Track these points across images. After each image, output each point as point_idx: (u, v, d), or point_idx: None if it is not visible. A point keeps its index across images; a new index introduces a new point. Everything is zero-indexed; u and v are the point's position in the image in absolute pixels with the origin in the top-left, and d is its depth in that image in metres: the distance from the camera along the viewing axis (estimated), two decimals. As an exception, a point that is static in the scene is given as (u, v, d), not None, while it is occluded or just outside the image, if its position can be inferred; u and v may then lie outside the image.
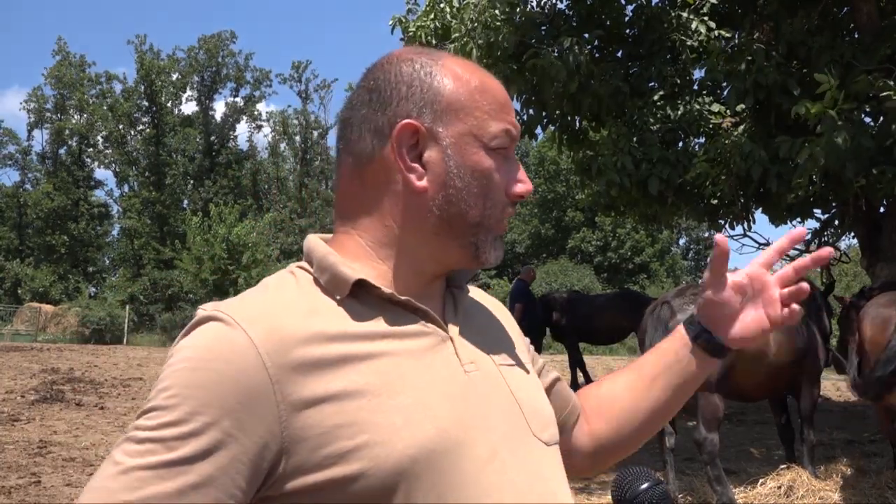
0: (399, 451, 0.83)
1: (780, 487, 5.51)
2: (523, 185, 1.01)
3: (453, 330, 0.99)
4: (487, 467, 0.89)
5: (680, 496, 5.45)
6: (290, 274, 0.97)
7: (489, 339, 1.06)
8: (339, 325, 0.89)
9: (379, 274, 0.96)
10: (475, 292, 1.14)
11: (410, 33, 8.57)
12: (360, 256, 0.97)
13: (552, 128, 9.43)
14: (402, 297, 0.94)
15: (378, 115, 0.96)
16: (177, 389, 0.80)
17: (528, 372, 1.08)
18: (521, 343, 1.14)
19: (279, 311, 0.88)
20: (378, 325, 0.92)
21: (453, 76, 0.98)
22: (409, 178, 0.95)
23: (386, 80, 0.98)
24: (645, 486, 1.04)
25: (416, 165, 0.96)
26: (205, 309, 0.88)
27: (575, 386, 12.22)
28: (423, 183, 0.95)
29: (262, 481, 0.83)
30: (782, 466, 5.75)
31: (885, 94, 5.90)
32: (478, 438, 0.90)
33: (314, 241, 0.99)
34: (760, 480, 5.67)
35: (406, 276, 0.97)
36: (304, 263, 0.98)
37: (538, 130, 9.19)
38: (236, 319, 0.84)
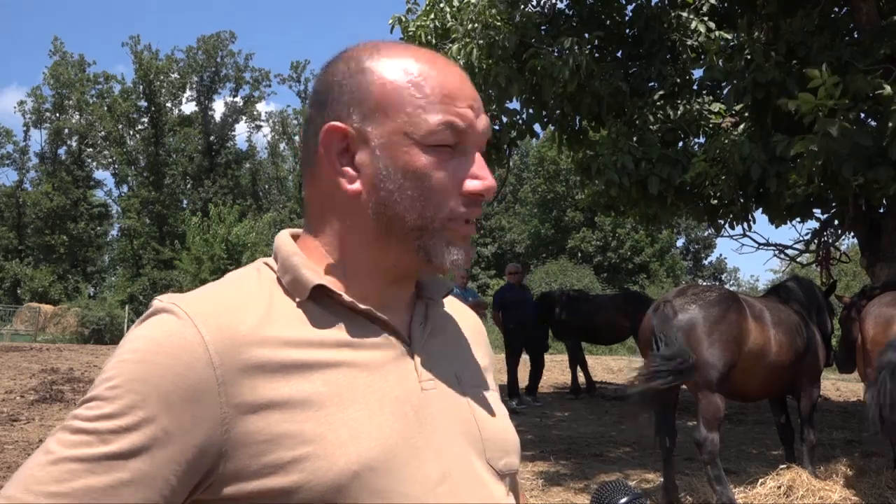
0: (340, 466, 0.80)
1: (779, 487, 5.51)
2: (478, 182, 0.92)
3: (417, 344, 0.95)
4: (436, 490, 0.86)
5: (680, 496, 5.45)
6: (255, 270, 0.95)
7: (457, 356, 1.02)
8: (294, 330, 0.86)
9: (338, 279, 0.93)
10: (452, 304, 1.10)
11: (410, 33, 8.56)
12: (320, 260, 0.94)
13: (552, 127, 9.44)
14: (364, 307, 0.90)
15: (318, 118, 0.94)
16: (119, 381, 0.77)
17: (495, 395, 1.05)
18: (490, 366, 1.11)
19: (235, 308, 0.85)
20: (335, 333, 0.89)
21: (385, 72, 0.93)
22: (340, 182, 0.92)
23: (325, 81, 0.96)
24: (624, 499, 1.03)
25: (347, 169, 0.92)
26: (161, 300, 0.85)
27: (576, 385, 12.23)
28: (356, 186, 0.92)
29: (197, 483, 0.79)
30: (782, 466, 5.75)
31: (880, 92, 5.89)
32: (428, 459, 0.87)
33: (283, 239, 0.97)
34: (760, 480, 5.67)
35: (362, 281, 0.94)
36: (270, 260, 0.96)
37: (538, 130, 9.19)
38: (189, 314, 0.82)
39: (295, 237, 0.99)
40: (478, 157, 0.94)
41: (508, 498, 0.97)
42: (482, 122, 0.94)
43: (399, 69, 0.92)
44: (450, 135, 0.90)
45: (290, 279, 0.91)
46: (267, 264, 0.95)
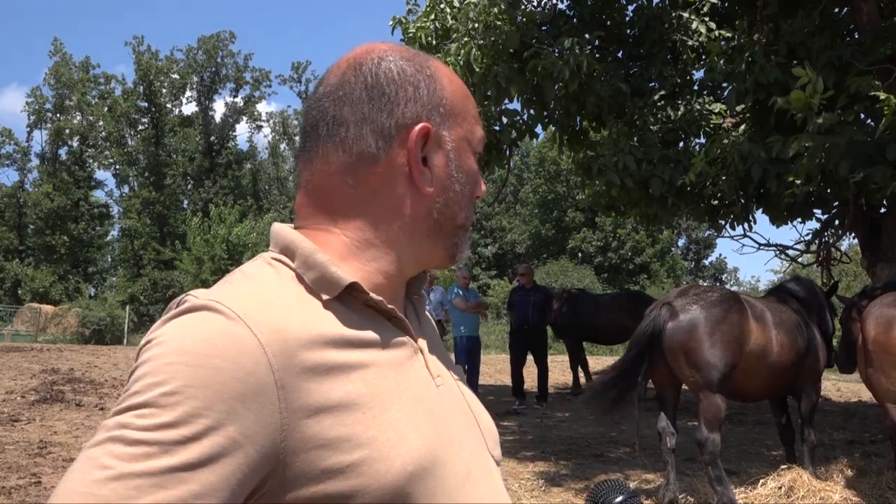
0: (397, 468, 0.80)
1: (780, 488, 5.50)
2: (485, 187, 1.04)
3: (421, 341, 0.97)
4: (466, 484, 0.88)
5: (681, 497, 5.45)
6: (268, 266, 0.90)
7: (441, 352, 1.04)
8: (332, 329, 0.84)
9: (363, 276, 0.91)
10: None
11: (410, 34, 8.57)
12: (345, 257, 0.92)
13: (552, 128, 9.44)
14: (389, 306, 0.91)
15: (383, 116, 0.92)
16: (175, 386, 0.72)
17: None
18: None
19: (277, 307, 0.82)
20: (365, 332, 0.88)
21: (449, 79, 0.99)
22: (420, 183, 0.93)
23: (389, 78, 0.94)
24: (619, 498, 1.03)
25: (427, 169, 0.94)
26: (196, 296, 0.81)
27: (577, 386, 12.23)
28: (431, 187, 0.94)
29: (253, 491, 0.76)
30: (783, 467, 5.75)
31: (874, 94, 5.89)
32: (454, 455, 0.88)
33: (293, 235, 0.92)
34: (761, 481, 5.67)
35: (389, 278, 0.95)
36: (281, 256, 0.91)
37: (539, 130, 9.19)
38: (238, 313, 0.77)
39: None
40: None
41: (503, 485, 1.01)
42: None
43: (456, 79, 1.01)
44: (482, 145, 1.03)
45: (316, 277, 0.88)
46: (279, 260, 0.91)
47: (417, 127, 0.92)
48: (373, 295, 0.89)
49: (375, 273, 0.93)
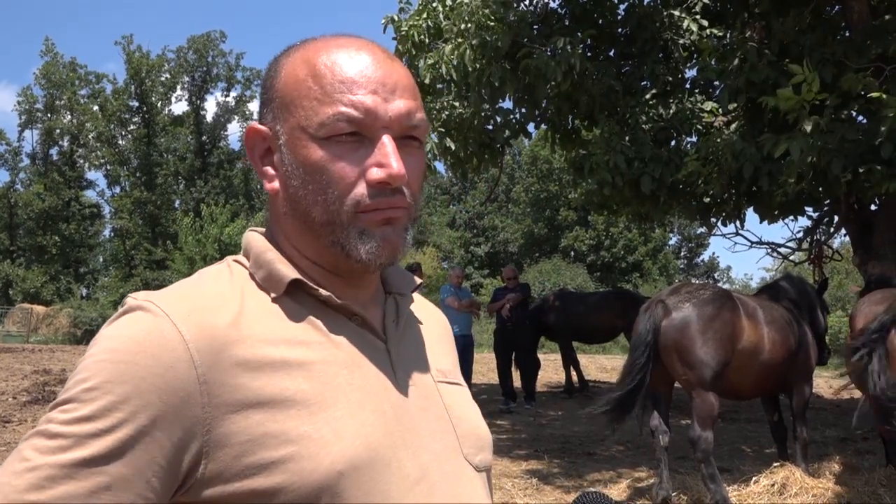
0: (325, 466, 0.79)
1: (773, 485, 5.52)
2: (380, 171, 0.86)
3: (392, 340, 0.95)
4: (415, 489, 0.85)
5: (673, 494, 5.46)
6: (225, 267, 0.94)
7: (428, 352, 1.02)
8: (272, 327, 0.85)
9: (306, 275, 0.92)
10: (416, 300, 1.10)
11: (402, 32, 8.56)
12: (289, 256, 0.94)
13: (545, 127, 9.45)
14: (340, 302, 0.90)
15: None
16: (96, 382, 0.75)
17: (465, 392, 1.05)
18: (456, 363, 1.11)
19: (212, 305, 0.84)
20: (313, 329, 0.88)
21: (291, 67, 0.92)
22: (263, 182, 0.94)
23: (261, 86, 0.99)
24: None
25: (267, 168, 0.94)
26: (135, 297, 0.83)
27: (569, 384, 12.24)
28: (273, 185, 0.93)
29: (179, 485, 0.78)
30: (775, 464, 5.76)
31: (872, 94, 5.90)
32: (406, 458, 0.86)
33: (254, 236, 0.96)
34: (754, 478, 5.68)
35: (322, 276, 0.93)
36: (240, 258, 0.95)
37: (531, 129, 9.20)
38: (166, 311, 0.80)
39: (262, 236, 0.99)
40: (385, 143, 0.87)
41: (485, 494, 0.97)
42: (394, 106, 0.88)
43: (304, 62, 0.91)
44: (345, 125, 0.87)
45: (265, 275, 0.90)
46: (237, 261, 0.95)
47: (246, 129, 0.94)
48: (323, 291, 0.89)
49: (306, 271, 0.93)
